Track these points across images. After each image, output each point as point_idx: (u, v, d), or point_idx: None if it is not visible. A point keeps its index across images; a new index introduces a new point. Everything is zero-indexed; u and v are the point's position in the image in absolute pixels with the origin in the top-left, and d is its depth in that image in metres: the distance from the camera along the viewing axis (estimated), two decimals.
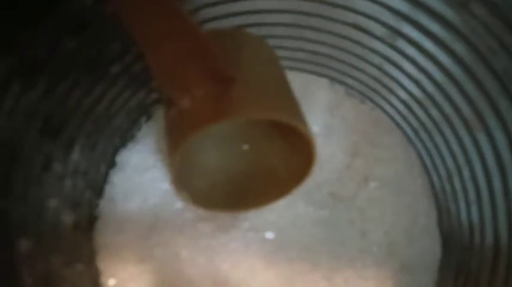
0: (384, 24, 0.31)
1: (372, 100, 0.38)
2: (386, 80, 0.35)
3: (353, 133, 0.38)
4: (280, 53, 0.34)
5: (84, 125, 0.30)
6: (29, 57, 0.23)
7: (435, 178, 0.35)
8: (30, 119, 0.24)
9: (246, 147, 0.36)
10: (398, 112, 0.36)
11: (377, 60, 0.34)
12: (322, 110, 0.38)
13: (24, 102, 0.24)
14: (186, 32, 0.24)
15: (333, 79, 0.39)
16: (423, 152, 0.36)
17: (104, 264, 0.32)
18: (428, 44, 0.29)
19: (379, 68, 0.34)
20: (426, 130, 0.34)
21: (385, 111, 0.38)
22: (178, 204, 0.34)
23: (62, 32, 0.25)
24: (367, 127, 0.38)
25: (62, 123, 0.28)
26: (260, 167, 0.35)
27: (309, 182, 0.32)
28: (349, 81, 0.38)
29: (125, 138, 0.36)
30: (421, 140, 0.35)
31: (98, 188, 0.34)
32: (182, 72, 0.26)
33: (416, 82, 0.32)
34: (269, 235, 0.33)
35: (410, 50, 0.31)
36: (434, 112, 0.32)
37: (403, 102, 0.35)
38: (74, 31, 0.26)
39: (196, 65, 0.26)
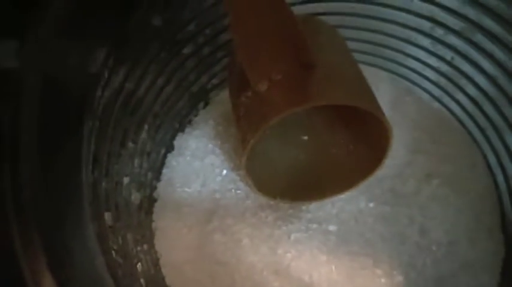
0: (463, 17, 0.31)
1: (435, 97, 0.39)
2: (455, 76, 0.36)
3: (415, 129, 0.39)
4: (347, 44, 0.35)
5: (153, 105, 0.32)
6: (123, 34, 0.24)
7: (500, 179, 0.36)
8: (116, 96, 0.26)
9: (305, 137, 0.37)
10: (465, 110, 0.37)
11: (448, 55, 0.35)
12: (383, 104, 0.39)
13: (114, 79, 0.25)
14: (279, 11, 0.25)
15: (396, 73, 0.40)
16: (489, 152, 0.37)
17: (162, 247, 0.33)
18: (509, 38, 0.30)
19: (450, 64, 0.35)
20: (495, 129, 0.35)
21: (448, 108, 0.39)
22: (239, 191, 0.35)
23: (152, 10, 0.26)
24: (430, 124, 0.39)
25: (138, 101, 0.29)
26: (321, 158, 0.36)
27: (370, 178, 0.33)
28: (413, 76, 0.39)
29: (183, 123, 0.38)
30: (488, 139, 0.36)
31: (158, 171, 0.35)
32: (267, 50, 0.27)
33: (491, 78, 0.33)
34: (332, 227, 0.34)
35: (488, 45, 0.31)
36: (507, 110, 0.33)
37: (472, 99, 0.36)
38: (161, 9, 0.27)
39: (284, 46, 0.27)
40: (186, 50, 0.32)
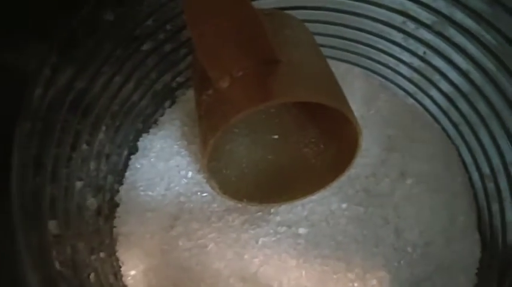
0: (434, 10, 0.30)
1: (409, 93, 0.38)
2: (428, 72, 0.35)
3: (389, 127, 0.38)
4: (316, 39, 0.33)
5: (111, 105, 0.30)
6: (69, 30, 0.23)
7: (475, 176, 0.35)
8: (64, 96, 0.24)
9: (275, 136, 0.36)
10: (438, 106, 0.36)
11: (421, 50, 0.34)
12: (357, 101, 0.38)
13: (59, 77, 0.23)
14: (240, 6, 0.24)
15: (368, 69, 0.38)
16: (463, 149, 0.35)
17: (124, 254, 0.32)
18: (481, 32, 0.29)
19: (422, 59, 0.34)
20: (469, 125, 0.34)
21: (422, 105, 0.37)
22: (205, 194, 0.33)
23: (102, 4, 0.24)
24: (404, 121, 0.38)
25: (92, 101, 0.27)
26: (292, 158, 0.35)
27: (341, 177, 0.32)
28: (386, 72, 0.38)
29: (148, 123, 0.36)
30: (462, 136, 0.35)
31: (119, 174, 0.33)
32: (228, 48, 0.25)
33: (464, 73, 0.32)
34: (302, 230, 0.32)
35: (461, 39, 0.30)
36: (481, 106, 0.32)
37: (446, 95, 0.35)
38: (112, 3, 0.25)
39: (245, 41, 0.25)
40: (146, 47, 0.31)
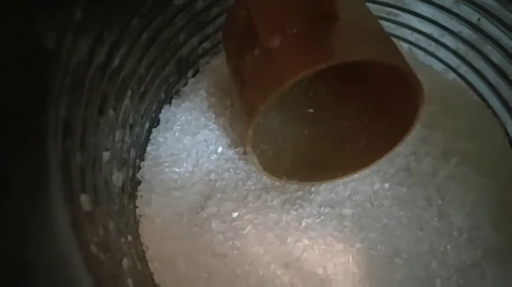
0: None
1: (451, 67, 0.35)
2: (479, 42, 0.31)
3: (429, 103, 0.34)
4: None
5: (138, 67, 0.26)
6: None
7: None
8: (93, 50, 0.20)
9: (311, 110, 0.32)
10: (485, 80, 0.33)
11: (474, 16, 0.30)
12: None
13: (89, 28, 0.19)
14: None
15: (407, 41, 0.35)
16: (511, 126, 0.32)
17: (148, 238, 0.28)
18: None
19: (475, 27, 0.31)
20: None
21: (466, 79, 0.34)
22: (238, 171, 0.30)
23: None
24: (445, 97, 0.35)
25: (120, 60, 0.23)
26: (330, 134, 0.31)
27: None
28: (428, 43, 0.34)
29: (170, 93, 0.32)
30: (511, 112, 0.32)
31: (142, 149, 0.29)
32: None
33: None
34: (346, 211, 0.29)
35: None
36: None
37: (497, 68, 0.31)
38: None
39: None
40: (177, 1, 0.26)
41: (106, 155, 0.23)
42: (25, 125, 0.13)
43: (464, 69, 0.34)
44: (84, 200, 0.18)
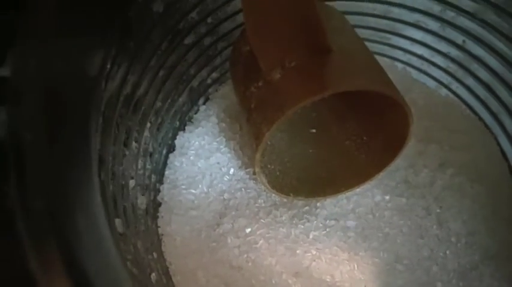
0: None
1: (443, 84, 0.37)
2: (466, 61, 0.34)
3: (424, 118, 0.37)
4: None
5: (156, 101, 0.29)
6: (125, 21, 0.22)
7: None
8: (119, 90, 0.23)
9: (313, 130, 0.35)
10: (475, 96, 0.36)
11: (460, 39, 0.33)
12: None
13: (116, 71, 0.22)
14: None
15: (401, 61, 0.38)
16: (502, 138, 0.35)
17: (171, 254, 0.31)
18: None
19: (460, 48, 0.34)
20: (509, 112, 0.33)
21: (458, 95, 0.37)
22: (249, 190, 0.32)
23: None
24: (439, 112, 0.37)
25: (140, 96, 0.26)
26: (333, 152, 0.34)
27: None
28: (420, 63, 0.37)
29: (183, 121, 0.35)
30: (501, 124, 0.35)
31: (160, 173, 0.32)
32: (281, 36, 0.25)
33: (506, 60, 0.31)
34: (350, 223, 0.31)
35: (504, 25, 0.30)
36: None
37: (484, 84, 0.34)
38: None
39: (299, 29, 0.24)
40: (188, 41, 0.30)
41: (132, 183, 0.26)
42: (77, 159, 0.16)
43: (455, 86, 0.37)
44: (118, 223, 0.22)
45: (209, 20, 0.30)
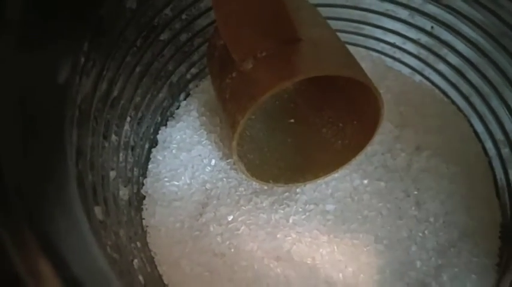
0: None
1: (416, 70, 0.39)
2: (436, 47, 0.35)
3: (399, 104, 0.38)
4: None
5: (134, 96, 0.30)
6: (98, 18, 0.23)
7: (489, 145, 0.36)
8: (95, 85, 0.24)
9: (291, 120, 0.36)
10: (447, 80, 0.37)
11: (428, 25, 0.34)
12: None
13: (91, 66, 0.23)
14: None
15: (375, 50, 0.39)
16: (474, 119, 0.36)
17: (155, 245, 0.32)
18: (488, 1, 0.30)
19: (430, 34, 0.35)
20: (480, 95, 0.34)
21: (430, 80, 0.38)
22: (230, 179, 0.33)
23: None
24: (414, 98, 0.39)
25: (118, 91, 0.27)
26: (310, 140, 0.35)
27: (361, 154, 0.33)
28: (393, 51, 0.38)
29: (165, 116, 0.36)
30: (473, 107, 0.36)
31: (143, 167, 0.33)
32: (251, 28, 0.26)
33: (473, 44, 0.32)
34: (329, 207, 0.32)
35: (469, 9, 0.31)
36: (491, 74, 0.32)
37: (454, 68, 0.35)
38: None
39: (268, 22, 0.26)
40: (163, 37, 0.31)
41: (112, 174, 0.27)
42: (51, 150, 0.17)
43: (428, 72, 0.38)
44: (97, 211, 0.22)
45: (183, 16, 0.31)
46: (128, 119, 0.30)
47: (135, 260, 0.25)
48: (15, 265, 0.13)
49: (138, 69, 0.30)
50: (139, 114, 0.31)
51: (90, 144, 0.24)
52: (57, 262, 0.14)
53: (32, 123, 0.18)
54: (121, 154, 0.29)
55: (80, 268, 0.14)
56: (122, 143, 0.29)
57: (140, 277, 0.24)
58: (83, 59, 0.22)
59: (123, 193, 0.28)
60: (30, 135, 0.17)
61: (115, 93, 0.27)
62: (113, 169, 0.27)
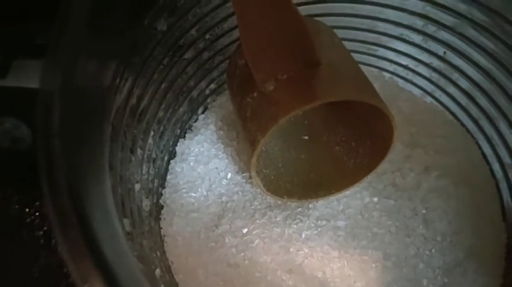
0: (455, 12, 0.32)
1: (427, 92, 0.40)
2: (447, 71, 0.37)
3: (410, 125, 0.40)
4: None
5: (158, 111, 0.31)
6: (134, 39, 0.24)
7: (496, 167, 0.37)
8: (126, 102, 0.25)
9: (306, 137, 0.38)
10: (457, 103, 0.38)
11: (441, 50, 0.36)
12: None
13: (123, 84, 0.25)
14: (285, 10, 0.26)
15: (388, 71, 0.41)
16: (483, 142, 0.38)
17: (172, 254, 0.33)
18: (499, 30, 0.31)
19: (442, 59, 0.36)
20: (489, 119, 0.36)
21: (441, 103, 0.40)
22: (246, 193, 0.35)
23: (159, 14, 0.26)
24: (424, 119, 0.40)
25: (144, 107, 0.29)
26: (324, 157, 0.36)
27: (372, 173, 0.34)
28: (405, 73, 0.40)
29: (184, 129, 0.38)
30: (482, 130, 0.37)
31: (162, 178, 0.35)
32: (273, 51, 0.27)
33: (483, 71, 0.34)
34: (340, 223, 0.34)
35: (481, 38, 0.33)
36: (501, 100, 0.34)
37: (465, 92, 0.37)
38: (166, 14, 0.27)
39: (290, 45, 0.27)
40: (187, 55, 0.32)
41: (137, 186, 0.29)
42: (93, 164, 0.19)
43: (438, 94, 0.39)
44: (126, 222, 0.24)
45: (207, 36, 0.33)
46: (152, 133, 0.31)
47: (157, 270, 0.26)
48: (71, 272, 0.14)
49: (163, 85, 0.31)
50: (162, 128, 0.33)
51: (119, 158, 0.25)
52: (108, 274, 0.15)
53: (81, 133, 0.19)
54: (144, 167, 0.30)
55: (125, 280, 0.15)
56: (145, 156, 0.30)
57: (162, 286, 0.26)
58: (118, 77, 0.24)
59: (145, 204, 0.30)
60: (80, 146, 0.19)
61: (142, 108, 0.28)
62: (137, 182, 0.29)
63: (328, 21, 0.37)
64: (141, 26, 0.25)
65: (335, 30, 0.36)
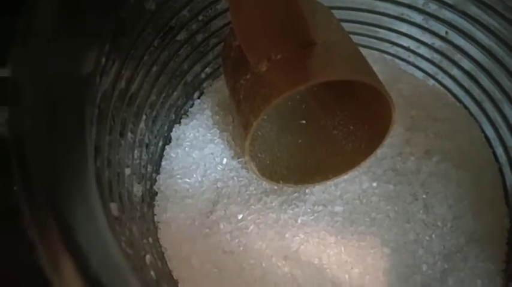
0: None
1: (429, 74, 0.39)
2: (450, 52, 0.36)
3: (411, 108, 0.39)
4: None
5: (150, 95, 0.31)
6: (119, 19, 0.24)
7: (500, 151, 0.36)
8: (114, 84, 0.25)
9: (303, 121, 0.37)
10: (460, 85, 0.37)
11: (442, 30, 0.35)
12: None
13: (111, 66, 0.24)
14: None
15: (388, 53, 0.39)
16: (486, 125, 0.37)
17: (166, 240, 0.33)
18: (503, 6, 0.30)
19: (444, 39, 0.35)
20: (492, 101, 0.35)
21: (443, 85, 0.39)
22: (241, 178, 0.34)
23: None
24: (426, 102, 0.39)
25: (135, 90, 0.28)
26: (321, 141, 0.36)
27: (371, 157, 0.33)
28: (407, 54, 0.39)
29: (179, 114, 0.37)
30: (485, 112, 0.36)
31: (156, 163, 0.34)
32: (266, 31, 0.27)
33: (486, 50, 0.33)
34: (337, 208, 0.33)
35: (484, 16, 0.31)
36: (504, 80, 0.33)
37: (467, 73, 0.36)
38: None
39: (284, 25, 0.26)
40: (180, 37, 0.31)
41: (127, 171, 0.28)
42: (73, 143, 0.18)
43: (441, 76, 0.38)
44: (113, 207, 0.23)
45: (200, 17, 0.32)
46: (144, 117, 0.30)
47: (147, 256, 0.26)
48: (41, 258, 0.14)
49: (154, 68, 0.30)
50: (154, 113, 0.32)
51: (107, 142, 0.25)
52: (79, 258, 0.14)
53: (56, 114, 0.18)
54: (136, 151, 0.30)
55: (98, 265, 0.15)
56: (137, 140, 0.30)
57: (152, 273, 0.25)
58: (104, 59, 0.23)
59: (137, 189, 0.29)
60: (54, 126, 0.18)
61: (132, 92, 0.28)
62: (128, 166, 0.28)
63: (326, 1, 0.36)
64: (127, 4, 0.24)
65: (333, 11, 0.35)
